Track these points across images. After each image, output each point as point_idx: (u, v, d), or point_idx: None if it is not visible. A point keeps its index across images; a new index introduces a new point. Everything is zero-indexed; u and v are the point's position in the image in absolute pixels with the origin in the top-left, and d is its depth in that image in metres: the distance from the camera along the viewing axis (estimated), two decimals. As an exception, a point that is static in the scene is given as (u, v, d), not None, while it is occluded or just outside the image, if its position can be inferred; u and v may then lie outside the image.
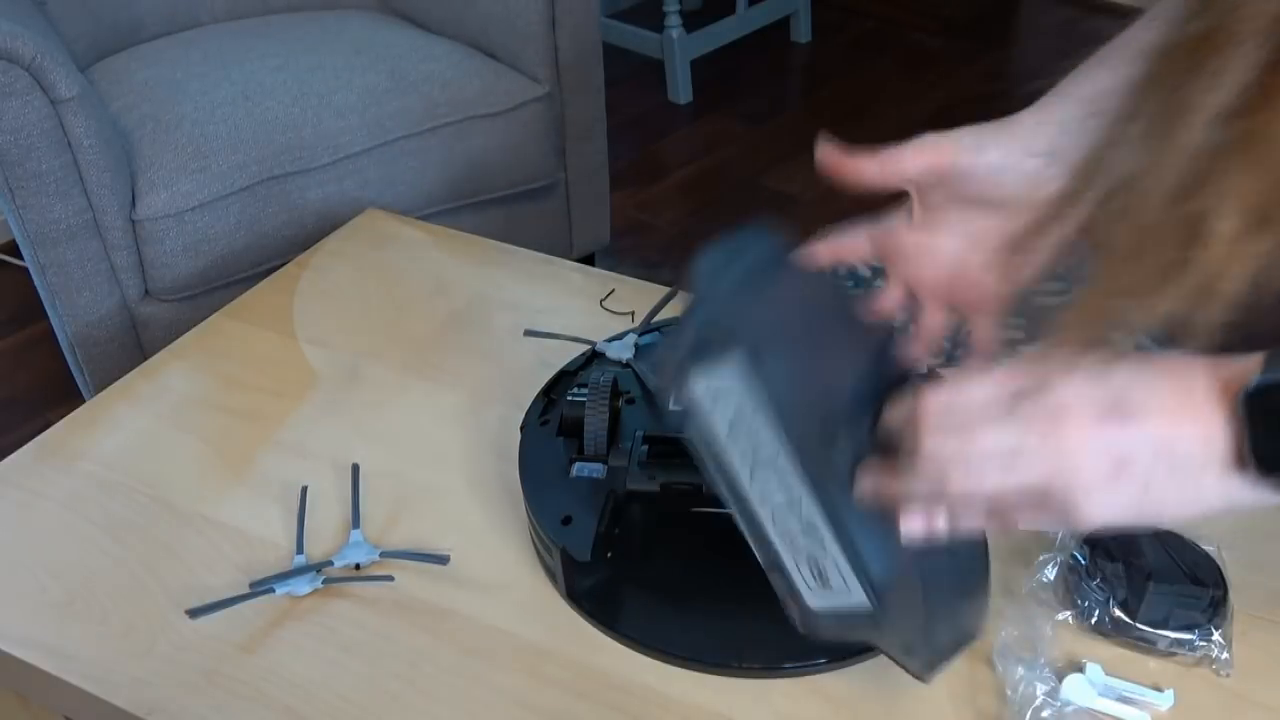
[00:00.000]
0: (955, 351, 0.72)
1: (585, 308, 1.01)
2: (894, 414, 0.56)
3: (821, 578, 0.59)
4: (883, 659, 0.69)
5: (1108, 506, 0.51)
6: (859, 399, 0.57)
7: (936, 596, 0.59)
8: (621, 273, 1.07)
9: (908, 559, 0.56)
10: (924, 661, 0.62)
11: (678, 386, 0.60)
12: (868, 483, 0.56)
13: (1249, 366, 0.48)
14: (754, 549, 0.63)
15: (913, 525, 0.55)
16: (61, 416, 0.91)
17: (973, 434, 0.52)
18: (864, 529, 0.57)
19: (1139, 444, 0.49)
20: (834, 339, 0.60)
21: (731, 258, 0.61)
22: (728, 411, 0.59)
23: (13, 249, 2.03)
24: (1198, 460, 0.49)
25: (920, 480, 0.53)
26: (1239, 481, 0.48)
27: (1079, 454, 0.50)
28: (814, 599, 0.61)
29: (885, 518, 0.56)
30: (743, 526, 0.62)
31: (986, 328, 0.67)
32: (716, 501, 0.73)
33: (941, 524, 0.55)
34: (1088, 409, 0.50)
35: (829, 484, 0.57)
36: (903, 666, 0.63)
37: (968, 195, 0.63)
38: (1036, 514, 0.52)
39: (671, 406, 0.61)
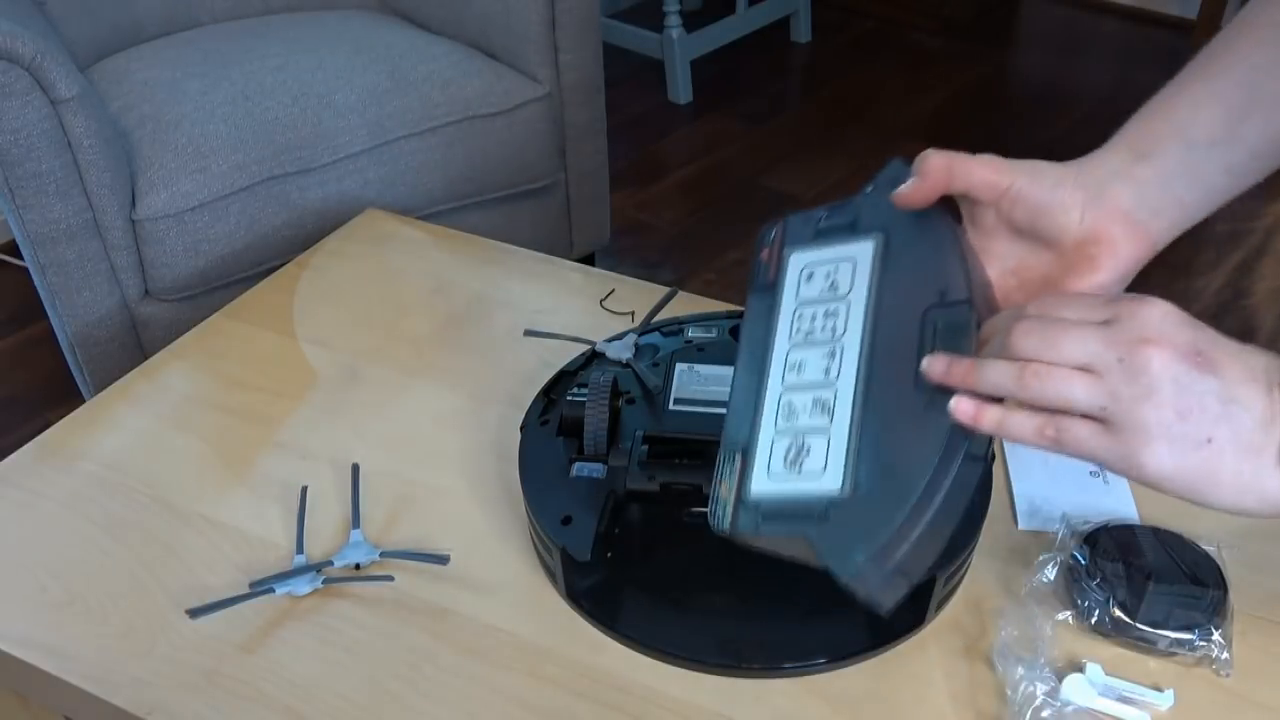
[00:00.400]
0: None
1: (585, 308, 1.01)
2: (993, 322, 0.58)
3: (795, 460, 0.59)
4: (883, 659, 0.69)
5: (1166, 455, 0.52)
6: (946, 329, 0.59)
7: (921, 514, 0.55)
8: (621, 273, 1.07)
9: (914, 468, 0.55)
10: (858, 574, 0.55)
11: (772, 251, 0.64)
12: (939, 361, 0.56)
13: None
14: (727, 424, 0.63)
15: (962, 406, 0.55)
16: (61, 416, 0.91)
17: (1058, 339, 0.53)
18: (891, 429, 0.57)
19: (1210, 392, 0.51)
20: (943, 269, 0.61)
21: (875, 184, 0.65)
22: (812, 288, 0.64)
23: (13, 249, 2.03)
24: (1259, 438, 0.50)
25: (992, 369, 0.54)
26: None
27: (1154, 381, 0.51)
28: (762, 483, 0.59)
29: (918, 434, 0.55)
30: (734, 399, 0.64)
31: None
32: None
33: (990, 419, 0.55)
34: (1170, 343, 0.51)
35: (889, 371, 0.59)
36: (839, 581, 0.56)
37: (1018, 223, 0.63)
38: (1094, 439, 0.53)
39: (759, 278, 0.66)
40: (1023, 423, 0.54)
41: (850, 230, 0.66)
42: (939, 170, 0.62)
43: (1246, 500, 0.52)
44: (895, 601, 0.55)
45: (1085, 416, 0.53)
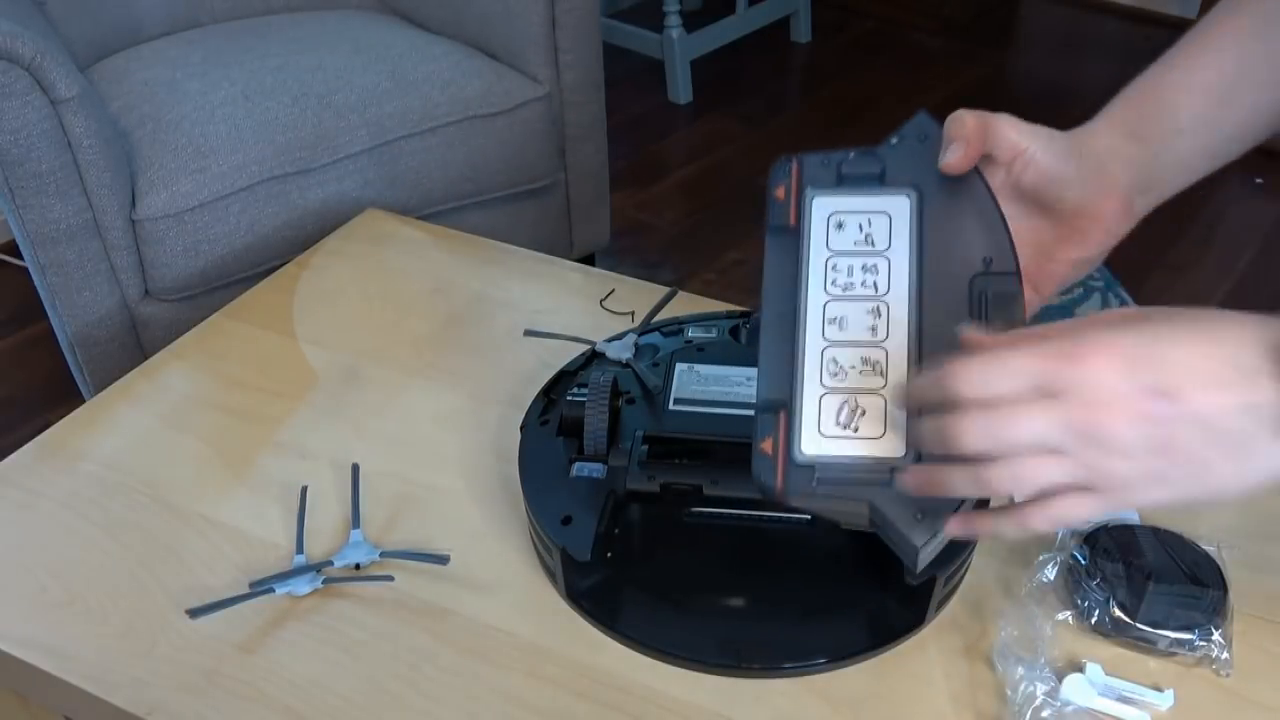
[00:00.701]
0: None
1: (585, 308, 1.01)
2: (920, 385, 0.55)
3: (849, 421, 0.58)
4: (883, 659, 0.69)
5: (1162, 492, 0.51)
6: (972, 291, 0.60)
7: None
8: (621, 273, 1.07)
9: None
10: (930, 532, 0.56)
11: (789, 191, 0.64)
12: (916, 475, 0.55)
13: None
14: (761, 377, 0.60)
15: (953, 529, 0.56)
16: (61, 416, 0.91)
17: (1006, 433, 0.51)
18: None
19: (1182, 425, 0.49)
20: (988, 235, 0.62)
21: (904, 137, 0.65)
22: (844, 238, 0.63)
23: (13, 249, 2.03)
24: (1248, 431, 0.49)
25: (957, 478, 0.53)
26: None
27: (1122, 444, 0.49)
28: (814, 443, 0.58)
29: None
30: (765, 348, 0.61)
31: None
32: (716, 502, 0.73)
33: (985, 528, 0.56)
34: (1125, 401, 0.49)
35: (939, 337, 0.58)
36: (899, 545, 0.58)
37: (1025, 187, 0.64)
38: (1088, 506, 0.52)
39: (774, 223, 0.64)
40: (1015, 518, 0.54)
41: (878, 180, 0.65)
42: (977, 134, 0.62)
43: (1249, 486, 0.51)
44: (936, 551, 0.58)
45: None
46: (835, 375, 0.60)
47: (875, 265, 0.63)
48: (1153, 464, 0.50)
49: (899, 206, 0.64)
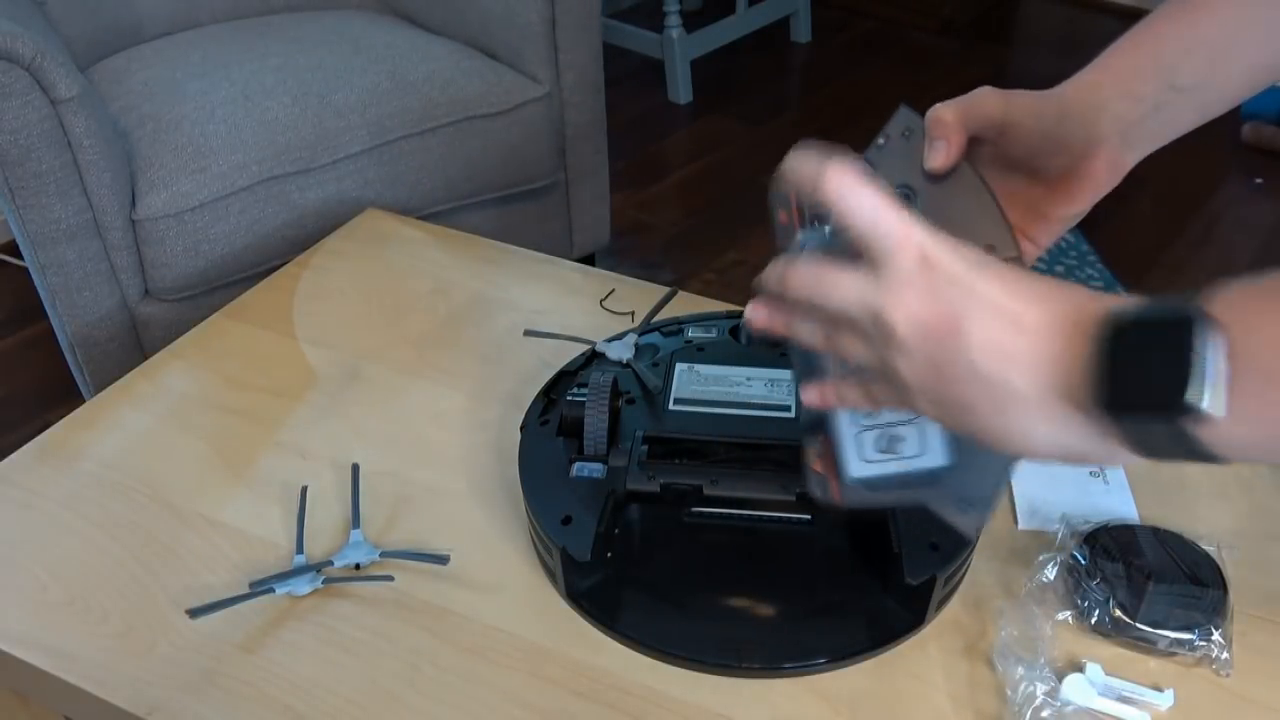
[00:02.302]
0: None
1: (585, 308, 1.01)
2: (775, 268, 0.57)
3: (889, 448, 0.63)
4: (883, 659, 0.70)
5: (933, 411, 0.52)
6: None
7: (1006, 467, 0.64)
8: (621, 273, 1.07)
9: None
10: (978, 516, 0.63)
11: (791, 216, 0.63)
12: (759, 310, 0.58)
13: (1126, 303, 0.47)
14: (803, 413, 0.63)
15: (809, 397, 0.59)
16: (61, 416, 0.91)
17: (826, 279, 0.53)
18: None
19: (952, 351, 0.49)
20: (986, 225, 0.63)
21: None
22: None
23: (13, 249, 2.03)
24: (1009, 382, 0.48)
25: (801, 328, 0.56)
26: (1073, 420, 0.47)
27: (899, 343, 0.50)
28: (860, 469, 0.63)
29: None
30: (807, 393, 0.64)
31: None
32: (716, 502, 0.73)
33: (830, 395, 0.58)
34: (916, 294, 0.49)
35: None
36: (953, 523, 0.64)
37: (1013, 157, 0.65)
38: (878, 390, 0.54)
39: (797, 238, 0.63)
40: (840, 387, 0.57)
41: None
42: (958, 128, 0.62)
43: (1037, 450, 0.50)
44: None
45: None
46: (868, 415, 0.63)
47: None
48: (927, 378, 0.50)
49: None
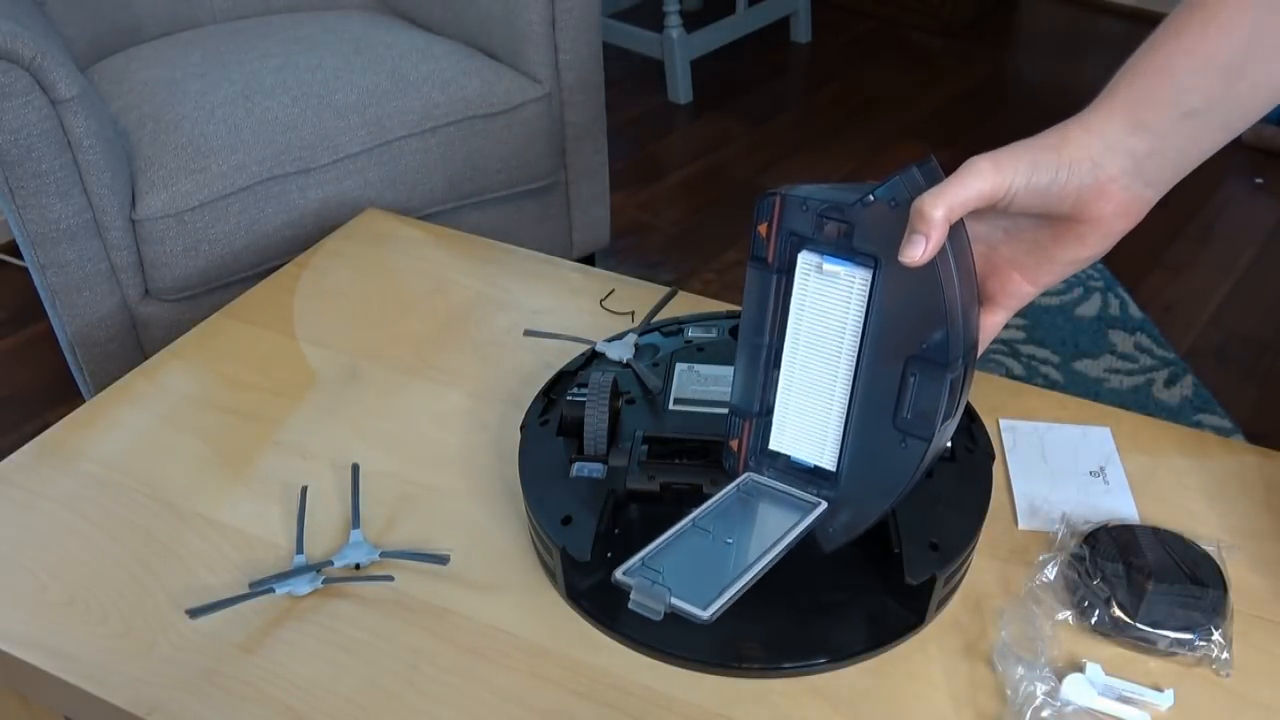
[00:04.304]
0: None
1: (585, 308, 1.01)
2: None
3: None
4: (883, 659, 0.70)
5: None
6: (928, 353, 0.63)
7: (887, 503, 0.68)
8: (621, 273, 1.07)
9: (887, 482, 0.67)
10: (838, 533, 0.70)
11: (770, 230, 0.67)
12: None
13: None
14: (735, 394, 0.71)
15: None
16: (61, 416, 0.91)
17: None
18: (871, 449, 0.67)
19: None
20: (931, 316, 0.63)
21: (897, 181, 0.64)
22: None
23: (13, 249, 2.03)
24: None
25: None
26: None
27: None
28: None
29: (890, 460, 0.66)
30: (739, 373, 0.71)
31: (994, 321, 0.67)
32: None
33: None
34: None
35: (874, 401, 0.66)
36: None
37: (1016, 212, 0.63)
38: None
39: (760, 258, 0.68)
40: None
41: (848, 238, 0.64)
42: (941, 226, 0.58)
43: None
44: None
45: None
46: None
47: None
48: None
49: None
